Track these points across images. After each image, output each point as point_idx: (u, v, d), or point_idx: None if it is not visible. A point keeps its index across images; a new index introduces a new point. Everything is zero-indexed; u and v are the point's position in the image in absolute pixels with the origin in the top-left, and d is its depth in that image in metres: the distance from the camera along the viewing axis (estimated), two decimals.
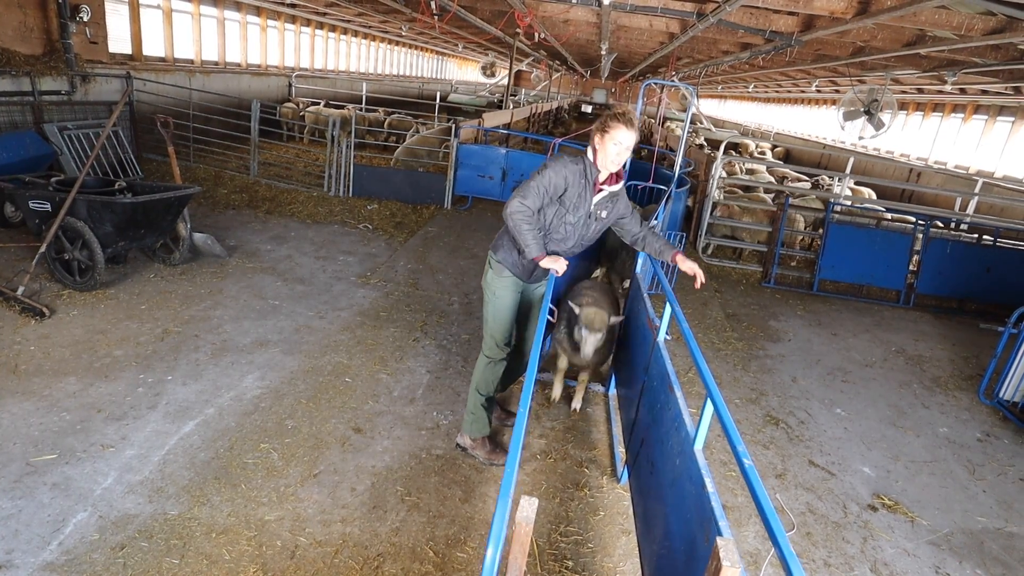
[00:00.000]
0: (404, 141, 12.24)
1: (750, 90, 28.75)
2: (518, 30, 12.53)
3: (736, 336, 6.65)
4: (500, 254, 3.74)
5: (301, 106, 15.62)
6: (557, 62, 29.72)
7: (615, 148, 3.40)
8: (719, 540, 1.75)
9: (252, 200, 9.28)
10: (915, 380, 6.20)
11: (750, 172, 13.65)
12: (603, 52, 14.65)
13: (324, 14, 18.06)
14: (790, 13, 8.64)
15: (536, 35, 13.38)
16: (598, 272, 7.19)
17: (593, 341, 3.99)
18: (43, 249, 5.39)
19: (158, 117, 7.02)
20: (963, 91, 15.06)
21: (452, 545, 3.26)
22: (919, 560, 3.66)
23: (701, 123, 21.73)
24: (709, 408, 2.33)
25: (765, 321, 7.27)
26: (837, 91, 19.97)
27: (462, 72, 44.59)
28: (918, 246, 8.62)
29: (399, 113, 15.59)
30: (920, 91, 16.71)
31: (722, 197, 9.69)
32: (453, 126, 10.58)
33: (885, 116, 11.09)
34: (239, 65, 16.12)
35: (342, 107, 15.49)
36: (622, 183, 3.67)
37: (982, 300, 8.65)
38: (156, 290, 5.83)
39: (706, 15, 8.19)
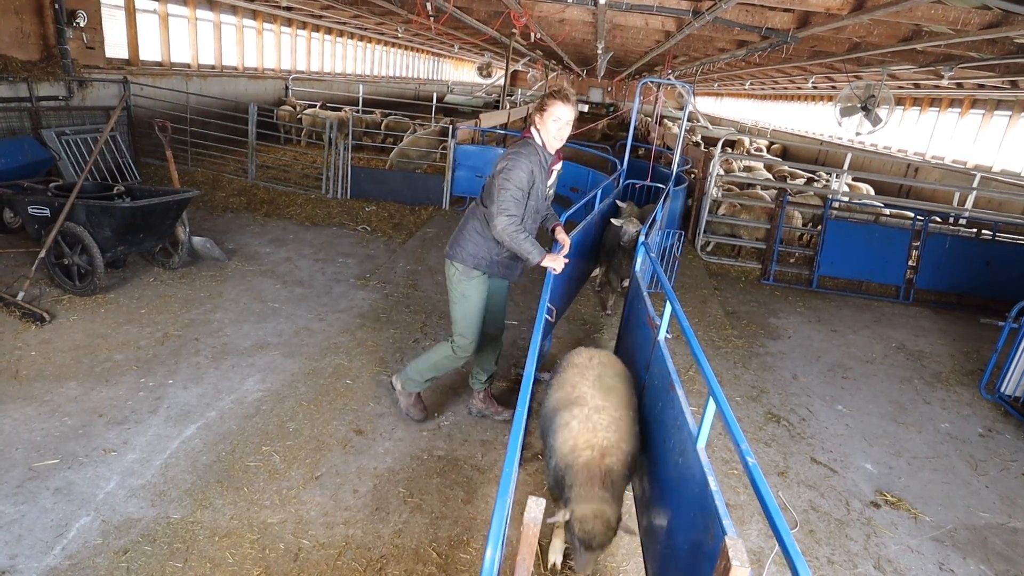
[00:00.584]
0: (401, 142, 12.23)
1: (746, 87, 28.77)
2: (514, 30, 12.53)
3: (736, 334, 6.65)
4: (467, 256, 3.80)
5: (298, 109, 15.61)
6: (553, 62, 29.74)
7: (555, 125, 3.53)
8: (727, 539, 1.75)
9: (250, 203, 9.27)
10: (916, 376, 6.21)
11: (747, 169, 13.66)
12: (599, 51, 14.64)
13: (320, 17, 18.06)
14: (786, 10, 8.65)
15: (532, 35, 13.37)
16: (597, 271, 7.19)
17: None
18: (43, 254, 5.39)
19: (156, 121, 7.02)
20: (960, 86, 15.08)
21: (455, 546, 3.26)
22: (923, 556, 3.66)
23: (698, 121, 21.73)
24: (711, 406, 2.33)
25: (765, 318, 7.27)
26: (833, 87, 20.00)
27: (458, 73, 44.57)
28: (917, 241, 8.63)
29: (396, 115, 15.58)
30: (917, 86, 16.72)
31: (720, 195, 9.69)
32: (450, 127, 10.58)
33: (882, 112, 11.09)
34: (236, 68, 16.11)
35: (339, 109, 15.49)
36: (561, 162, 3.89)
37: (982, 295, 8.65)
38: (156, 294, 5.83)
39: (702, 13, 8.19)
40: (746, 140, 20.28)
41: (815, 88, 21.58)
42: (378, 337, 5.50)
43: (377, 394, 4.60)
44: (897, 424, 5.19)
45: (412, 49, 31.51)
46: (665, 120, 21.50)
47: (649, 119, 20.89)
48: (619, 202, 7.11)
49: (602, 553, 2.71)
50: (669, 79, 10.19)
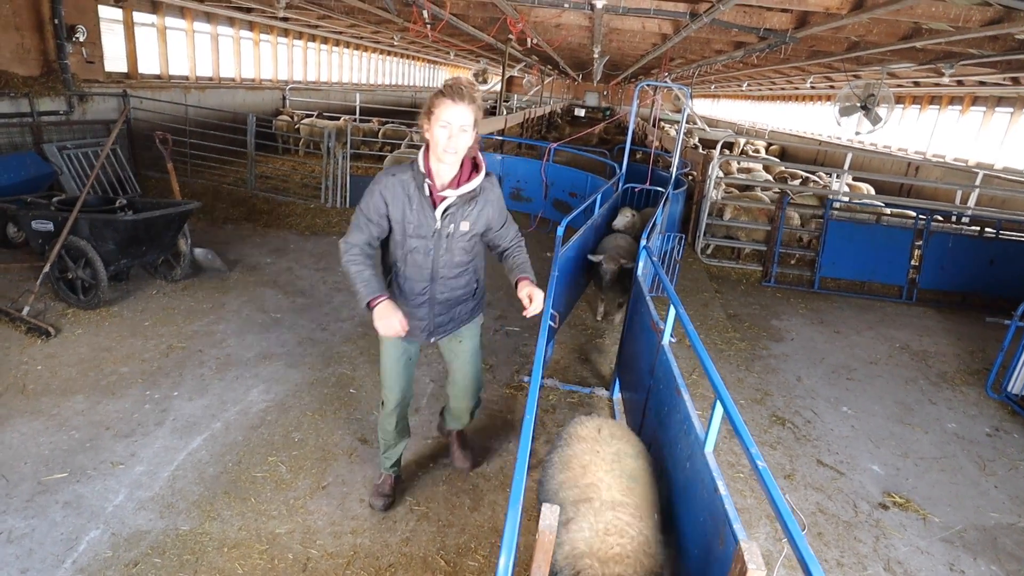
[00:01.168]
0: (398, 150, 12.25)
1: (744, 88, 28.81)
2: (510, 36, 12.55)
3: (738, 336, 6.65)
4: None
5: (295, 118, 15.65)
6: (549, 67, 29.79)
7: (444, 132, 2.69)
8: (742, 543, 1.75)
9: (250, 214, 9.29)
10: (921, 376, 6.20)
11: (745, 171, 13.66)
12: (595, 55, 14.66)
13: (316, 27, 18.10)
14: (784, 10, 8.65)
15: (528, 40, 13.41)
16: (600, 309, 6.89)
17: None
18: (47, 269, 5.40)
19: (157, 134, 7.04)
20: (960, 83, 15.07)
21: (463, 554, 3.25)
22: (933, 558, 3.65)
23: (695, 123, 21.77)
24: (719, 410, 2.33)
25: (767, 321, 7.26)
26: (832, 87, 20.01)
27: None
28: (919, 240, 8.63)
29: (393, 123, 15.61)
30: (916, 84, 16.72)
31: (720, 197, 9.70)
32: None
33: (882, 110, 11.09)
34: (233, 80, 16.16)
35: (337, 118, 15.52)
36: (481, 175, 2.88)
37: (986, 293, 8.64)
38: (159, 306, 5.84)
39: (699, 15, 8.20)
40: (740, 141, 20.30)
41: (813, 88, 21.59)
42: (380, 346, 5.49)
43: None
44: (903, 425, 5.18)
45: (408, 57, 31.62)
46: (662, 123, 21.55)
47: (647, 123, 20.92)
48: (624, 211, 7.12)
49: None
50: (666, 82, 10.20)
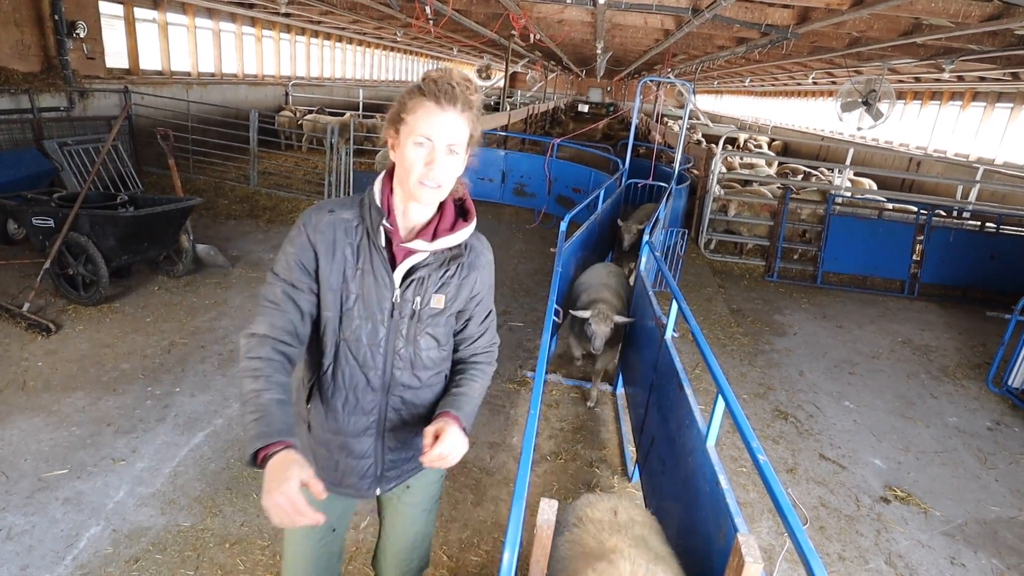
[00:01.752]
0: None
1: (746, 84, 28.75)
2: (513, 32, 12.53)
3: (741, 331, 6.64)
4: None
5: (298, 114, 15.64)
6: (552, 63, 29.77)
7: (420, 153, 1.60)
8: (740, 536, 1.75)
9: (253, 210, 9.29)
10: (922, 370, 6.19)
11: (748, 166, 13.63)
12: (598, 51, 14.64)
13: (319, 22, 18.09)
14: (785, 6, 8.63)
15: (531, 36, 13.38)
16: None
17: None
18: (47, 265, 5.40)
19: (158, 130, 7.03)
20: (961, 78, 15.03)
21: (465, 549, 3.25)
22: (934, 551, 3.65)
23: (698, 119, 21.72)
24: (721, 405, 2.33)
25: (770, 315, 7.26)
26: (834, 83, 19.96)
27: None
28: (921, 235, 8.61)
29: None
30: (917, 80, 16.68)
31: (722, 192, 9.68)
32: None
33: (883, 106, 11.05)
34: (235, 76, 16.14)
35: (340, 114, 15.50)
36: (470, 226, 1.79)
37: (987, 288, 8.63)
38: (161, 302, 5.84)
39: (701, 11, 8.19)
40: (743, 137, 20.26)
41: (815, 84, 21.54)
42: None
43: None
44: (905, 419, 5.17)
45: (411, 53, 31.56)
46: (665, 119, 21.50)
47: (650, 118, 20.89)
48: (629, 227, 7.11)
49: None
50: (669, 78, 10.18)
